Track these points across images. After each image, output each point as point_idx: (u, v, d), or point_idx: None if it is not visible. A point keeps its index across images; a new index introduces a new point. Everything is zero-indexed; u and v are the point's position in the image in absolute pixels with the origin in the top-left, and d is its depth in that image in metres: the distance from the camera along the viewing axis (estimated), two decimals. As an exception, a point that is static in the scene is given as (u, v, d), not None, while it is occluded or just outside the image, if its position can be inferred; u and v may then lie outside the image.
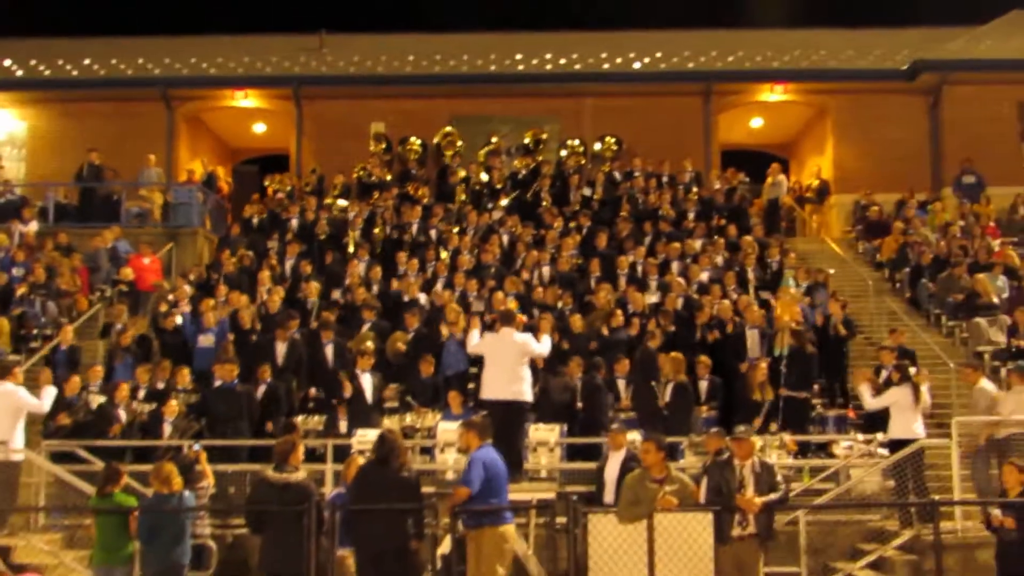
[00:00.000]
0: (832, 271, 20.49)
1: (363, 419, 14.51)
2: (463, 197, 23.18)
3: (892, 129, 26.36)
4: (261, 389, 15.19)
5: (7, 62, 28.31)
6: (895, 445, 13.40)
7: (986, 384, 13.98)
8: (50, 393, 13.75)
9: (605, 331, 16.81)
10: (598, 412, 14.96)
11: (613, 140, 26.03)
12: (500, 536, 9.84)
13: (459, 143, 25.69)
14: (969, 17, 29.74)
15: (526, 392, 12.18)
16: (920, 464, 13.12)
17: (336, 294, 19.12)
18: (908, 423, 13.46)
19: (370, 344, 16.26)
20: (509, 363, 12.05)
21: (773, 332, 16.39)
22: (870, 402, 14.00)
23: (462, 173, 24.08)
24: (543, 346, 12.61)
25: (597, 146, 25.92)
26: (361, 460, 10.54)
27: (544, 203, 22.66)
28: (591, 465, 13.11)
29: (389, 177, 24.73)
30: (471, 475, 9.61)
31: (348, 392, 14.95)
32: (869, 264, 22.56)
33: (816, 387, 16.26)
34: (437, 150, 25.84)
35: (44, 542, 12.45)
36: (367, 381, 15.10)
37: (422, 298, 18.39)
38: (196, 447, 12.43)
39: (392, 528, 9.17)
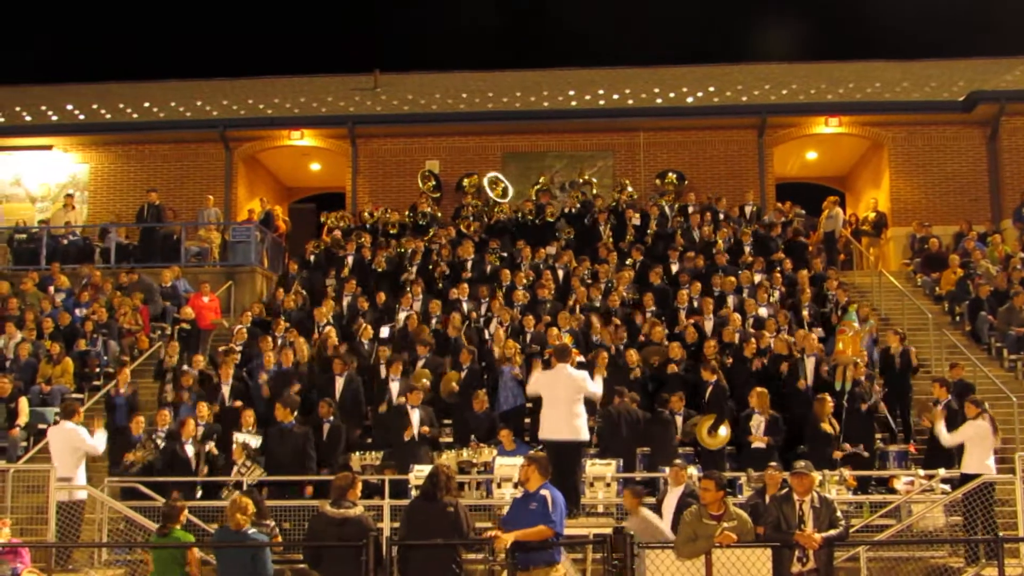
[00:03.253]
0: (883, 305, 20.26)
1: (409, 455, 14.65)
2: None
3: (949, 161, 26.17)
4: (325, 428, 15.35)
5: (69, 106, 29.02)
6: (965, 480, 13.15)
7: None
8: (101, 436, 14.29)
9: (674, 368, 16.67)
10: (665, 445, 14.86)
11: (675, 176, 26.04)
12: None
13: (498, 193, 25.64)
14: (1025, 48, 29.55)
15: (583, 430, 12.37)
16: (991, 500, 12.91)
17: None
18: (983, 458, 13.26)
19: (426, 381, 16.34)
20: (565, 401, 12.24)
21: (834, 366, 16.19)
22: (947, 438, 13.80)
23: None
24: (596, 386, 12.69)
25: (658, 182, 25.92)
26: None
27: (604, 238, 22.65)
28: (650, 500, 13.02)
29: (439, 214, 24.80)
30: (557, 516, 9.25)
31: (408, 436, 14.99)
32: (928, 297, 22.24)
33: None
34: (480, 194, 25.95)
35: (107, 577, 12.62)
36: (415, 417, 15.17)
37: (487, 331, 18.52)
38: (274, 528, 12.00)
39: (436, 564, 9.09)
